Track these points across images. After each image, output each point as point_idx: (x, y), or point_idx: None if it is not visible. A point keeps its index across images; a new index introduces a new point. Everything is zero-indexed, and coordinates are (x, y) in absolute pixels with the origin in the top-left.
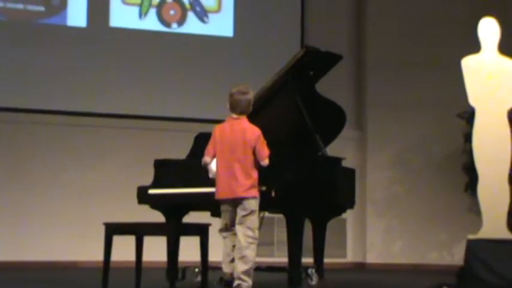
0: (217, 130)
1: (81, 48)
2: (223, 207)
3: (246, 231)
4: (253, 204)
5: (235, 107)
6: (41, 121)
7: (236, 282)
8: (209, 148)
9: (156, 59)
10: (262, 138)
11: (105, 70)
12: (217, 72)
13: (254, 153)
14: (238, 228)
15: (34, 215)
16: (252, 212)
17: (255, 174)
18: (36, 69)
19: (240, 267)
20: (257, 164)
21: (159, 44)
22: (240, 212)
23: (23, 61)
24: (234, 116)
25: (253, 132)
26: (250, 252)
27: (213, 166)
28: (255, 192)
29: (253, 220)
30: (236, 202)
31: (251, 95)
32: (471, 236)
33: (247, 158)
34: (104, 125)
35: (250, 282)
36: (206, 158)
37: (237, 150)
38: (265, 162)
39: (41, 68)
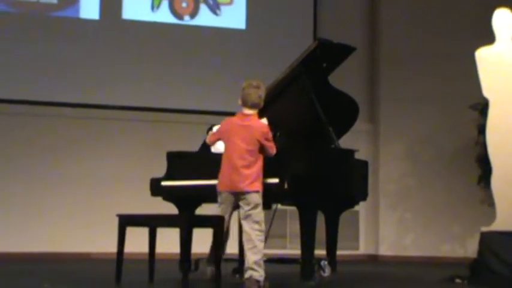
0: (225, 123)
1: (94, 40)
2: (222, 199)
3: (253, 225)
4: (257, 198)
5: (246, 101)
6: (53, 113)
7: (249, 273)
8: (211, 137)
9: (168, 51)
10: (269, 134)
11: (117, 62)
12: (229, 64)
13: (260, 149)
14: (244, 223)
15: (47, 206)
16: (256, 206)
17: (259, 169)
18: (48, 61)
19: (251, 257)
20: (262, 160)
21: (171, 36)
22: (244, 207)
23: (36, 54)
24: (245, 110)
25: (260, 128)
26: (260, 244)
27: (218, 146)
28: (257, 187)
29: (259, 213)
30: (238, 196)
31: (262, 90)
32: (484, 229)
33: (252, 153)
34: (116, 118)
35: (262, 272)
36: (208, 142)
37: (243, 145)
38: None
39: (53, 61)
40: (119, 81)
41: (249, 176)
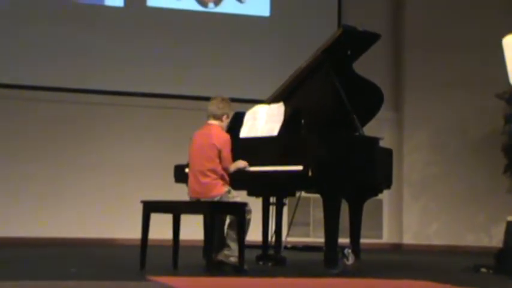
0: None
1: (119, 27)
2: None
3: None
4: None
5: (208, 112)
6: (76, 100)
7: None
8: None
9: (192, 39)
10: (229, 144)
11: (141, 50)
12: (253, 52)
13: (220, 156)
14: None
15: (74, 193)
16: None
17: (220, 173)
18: (73, 48)
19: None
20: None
21: (195, 23)
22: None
23: (60, 41)
24: (208, 120)
25: (220, 137)
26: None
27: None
28: (220, 190)
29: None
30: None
31: (224, 104)
32: (510, 218)
33: (211, 160)
34: (141, 105)
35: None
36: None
37: (203, 153)
38: (230, 168)
39: (78, 47)
40: (143, 69)
41: (210, 183)
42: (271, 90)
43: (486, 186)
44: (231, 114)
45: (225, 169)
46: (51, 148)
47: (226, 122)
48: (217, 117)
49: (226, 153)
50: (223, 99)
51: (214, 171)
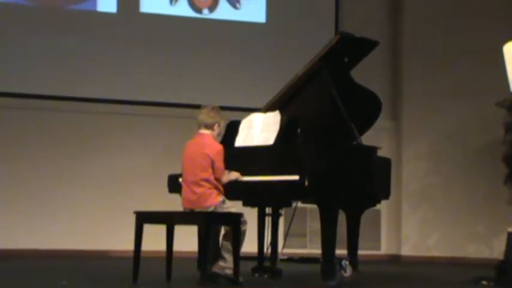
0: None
1: (111, 34)
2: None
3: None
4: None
5: (199, 122)
6: (69, 109)
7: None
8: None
9: (186, 45)
10: (221, 154)
11: (134, 56)
12: (249, 59)
13: (213, 166)
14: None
15: (65, 203)
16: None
17: (214, 183)
18: (65, 55)
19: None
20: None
21: (189, 30)
22: None
23: (53, 48)
24: (199, 130)
25: (213, 147)
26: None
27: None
28: (214, 200)
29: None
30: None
31: (215, 113)
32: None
33: (205, 170)
34: (133, 113)
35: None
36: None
37: (196, 163)
38: (223, 178)
39: (70, 55)
40: (134, 76)
41: (204, 193)
42: (267, 98)
43: (486, 196)
44: (223, 123)
45: (218, 180)
46: (41, 158)
47: (217, 131)
48: (209, 127)
49: (219, 164)
50: (213, 108)
51: (208, 180)
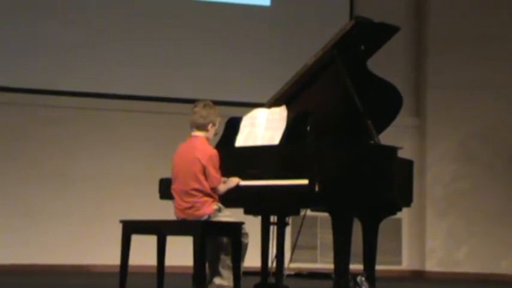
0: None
1: (94, 20)
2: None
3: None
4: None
5: (191, 123)
6: (42, 103)
7: None
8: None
9: (182, 32)
10: (214, 160)
11: (124, 45)
12: (252, 47)
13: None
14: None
15: (40, 211)
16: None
17: (207, 191)
18: (43, 44)
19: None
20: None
21: (182, 14)
22: None
23: (34, 36)
24: (192, 132)
25: (204, 151)
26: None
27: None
28: (208, 209)
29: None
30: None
31: (208, 110)
32: None
33: (196, 179)
34: (120, 108)
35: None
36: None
37: (187, 170)
38: (219, 188)
39: (54, 44)
40: (123, 67)
41: (197, 202)
42: (272, 91)
43: None
44: (218, 120)
45: (213, 189)
46: (12, 159)
47: (212, 130)
48: (202, 128)
49: (212, 170)
50: (205, 105)
51: (200, 191)
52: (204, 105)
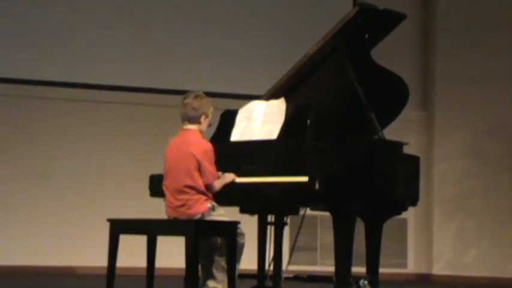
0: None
1: (77, 5)
2: None
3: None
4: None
5: (182, 116)
6: (20, 93)
7: None
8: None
9: (171, 18)
10: (209, 154)
11: (110, 31)
12: (248, 36)
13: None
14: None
15: (21, 210)
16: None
17: (201, 188)
18: (21, 30)
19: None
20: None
21: (182, 2)
22: None
23: (20, 23)
24: (184, 126)
25: (199, 145)
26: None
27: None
28: (200, 207)
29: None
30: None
31: (199, 101)
32: None
33: (189, 175)
34: (107, 100)
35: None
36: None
37: (179, 166)
38: (214, 185)
39: (28, 29)
40: (111, 56)
41: (190, 199)
42: (270, 83)
43: None
44: (211, 111)
45: (209, 186)
46: None
47: (205, 122)
48: (194, 120)
49: (207, 165)
50: (196, 96)
51: (193, 188)
52: (195, 96)
